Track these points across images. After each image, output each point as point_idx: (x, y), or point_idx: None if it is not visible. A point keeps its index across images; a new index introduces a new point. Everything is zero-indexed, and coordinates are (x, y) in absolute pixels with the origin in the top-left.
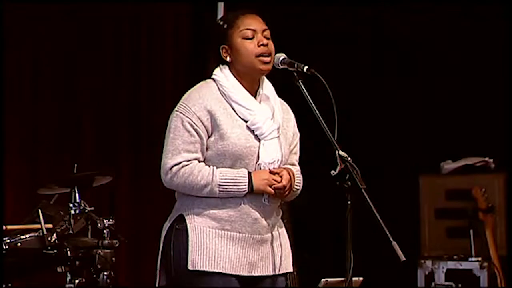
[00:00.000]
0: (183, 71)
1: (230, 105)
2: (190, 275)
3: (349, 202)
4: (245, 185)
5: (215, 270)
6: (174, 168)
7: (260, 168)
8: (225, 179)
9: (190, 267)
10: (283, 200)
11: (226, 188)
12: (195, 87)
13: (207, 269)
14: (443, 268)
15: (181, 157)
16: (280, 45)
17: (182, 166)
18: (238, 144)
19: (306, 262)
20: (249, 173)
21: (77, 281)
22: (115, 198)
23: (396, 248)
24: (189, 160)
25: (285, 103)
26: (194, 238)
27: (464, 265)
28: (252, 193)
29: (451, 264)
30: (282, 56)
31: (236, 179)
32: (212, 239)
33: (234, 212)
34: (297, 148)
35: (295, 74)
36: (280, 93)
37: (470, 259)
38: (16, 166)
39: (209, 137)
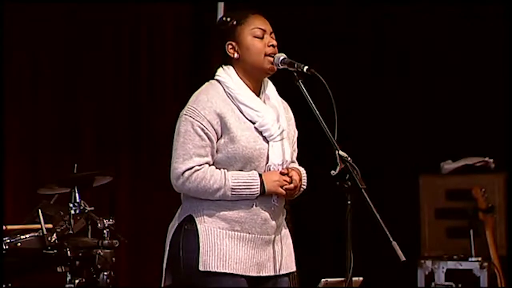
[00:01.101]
0: (183, 71)
1: (237, 106)
2: (201, 276)
3: (349, 202)
4: (257, 187)
5: (226, 271)
6: (186, 173)
7: (270, 170)
8: (238, 182)
9: (201, 268)
10: (290, 199)
11: (239, 192)
12: (201, 89)
13: (218, 270)
14: (443, 268)
15: (193, 161)
16: (280, 45)
17: (195, 171)
18: (248, 147)
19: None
20: (260, 175)
21: (77, 281)
22: (115, 198)
23: (396, 248)
24: (200, 165)
25: (284, 102)
26: (204, 239)
27: (464, 265)
28: (263, 195)
29: (451, 264)
30: (282, 56)
31: (248, 182)
32: (223, 240)
33: (244, 213)
34: (296, 145)
35: (295, 74)
36: (280, 93)
37: (470, 259)
38: (16, 166)
39: (218, 139)
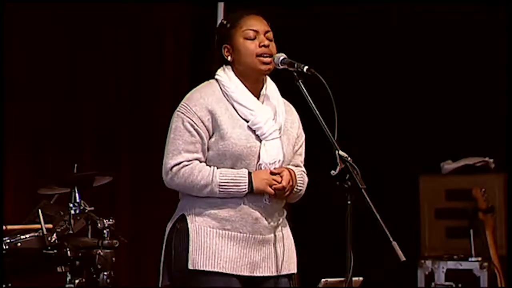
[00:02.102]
0: (183, 71)
1: (232, 105)
2: (191, 275)
3: (349, 202)
4: (245, 185)
5: (215, 269)
6: (175, 168)
7: (261, 169)
8: (225, 179)
9: (190, 267)
10: (287, 200)
11: (226, 188)
12: (197, 87)
13: (207, 269)
14: (443, 268)
15: (182, 157)
16: (279, 45)
17: (183, 166)
18: (239, 144)
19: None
20: (249, 173)
21: (77, 281)
22: (115, 198)
23: (396, 248)
24: (189, 160)
25: (290, 104)
26: (194, 238)
27: (464, 265)
28: (253, 193)
29: (451, 264)
30: (282, 56)
31: (236, 179)
32: (213, 238)
33: (234, 212)
34: (302, 150)
35: (295, 74)
36: (281, 93)
37: (470, 259)
38: (16, 166)
39: (210, 137)
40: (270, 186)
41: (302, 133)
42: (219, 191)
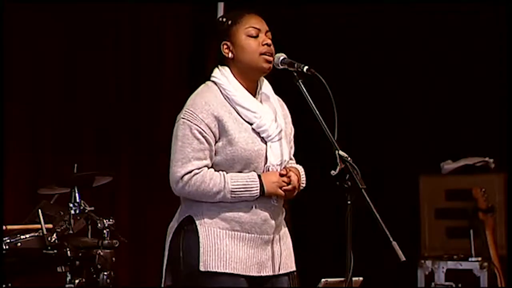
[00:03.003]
0: (183, 71)
1: (234, 108)
2: (202, 276)
3: (349, 202)
4: (256, 189)
5: (227, 270)
6: (186, 177)
7: (268, 170)
8: (237, 185)
9: (202, 268)
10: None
11: (238, 194)
12: (197, 92)
13: (219, 270)
14: (443, 268)
15: (192, 165)
16: (279, 45)
17: (194, 175)
18: (247, 149)
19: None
20: (259, 177)
21: (77, 281)
22: (115, 198)
23: (396, 248)
24: (199, 168)
25: (280, 99)
26: (205, 240)
27: (464, 265)
28: (263, 196)
29: (451, 264)
30: (282, 56)
31: (247, 184)
32: (223, 239)
33: (244, 213)
34: (293, 143)
35: (295, 74)
36: (281, 93)
37: (470, 259)
38: (16, 166)
39: (216, 142)
40: (280, 188)
41: (292, 127)
42: (231, 196)
